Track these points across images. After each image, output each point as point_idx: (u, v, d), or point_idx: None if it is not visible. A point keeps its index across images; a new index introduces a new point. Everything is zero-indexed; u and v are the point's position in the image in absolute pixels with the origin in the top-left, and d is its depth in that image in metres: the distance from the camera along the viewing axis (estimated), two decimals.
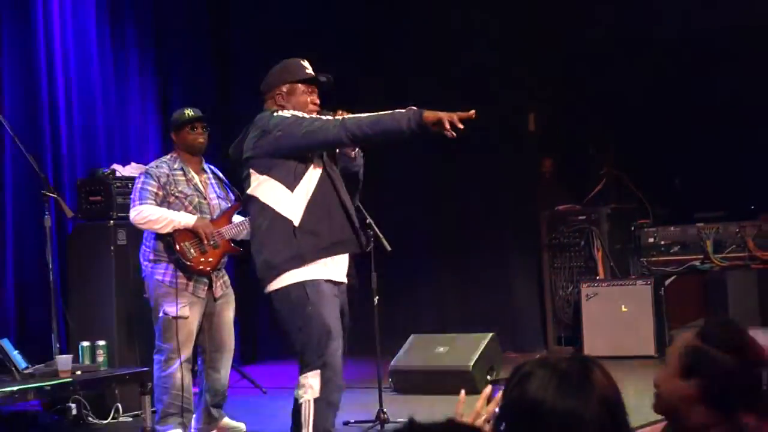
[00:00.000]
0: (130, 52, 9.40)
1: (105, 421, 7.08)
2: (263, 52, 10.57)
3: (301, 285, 4.78)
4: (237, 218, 6.48)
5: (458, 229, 10.29)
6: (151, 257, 6.29)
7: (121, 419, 7.14)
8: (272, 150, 4.83)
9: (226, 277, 6.55)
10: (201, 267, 6.25)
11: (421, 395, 7.53)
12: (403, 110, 4.64)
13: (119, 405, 7.14)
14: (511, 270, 10.08)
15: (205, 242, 6.23)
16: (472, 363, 7.63)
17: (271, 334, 10.56)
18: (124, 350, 7.25)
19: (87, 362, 6.70)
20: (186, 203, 6.31)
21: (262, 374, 8.96)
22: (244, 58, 10.52)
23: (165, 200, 6.25)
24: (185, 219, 6.23)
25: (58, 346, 6.88)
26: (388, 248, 6.49)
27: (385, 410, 6.44)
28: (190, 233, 6.23)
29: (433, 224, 10.37)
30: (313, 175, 4.89)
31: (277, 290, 4.83)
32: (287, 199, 4.83)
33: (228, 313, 6.51)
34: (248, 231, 6.43)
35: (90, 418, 6.95)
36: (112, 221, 7.33)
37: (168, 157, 6.46)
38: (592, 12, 9.79)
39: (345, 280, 5.00)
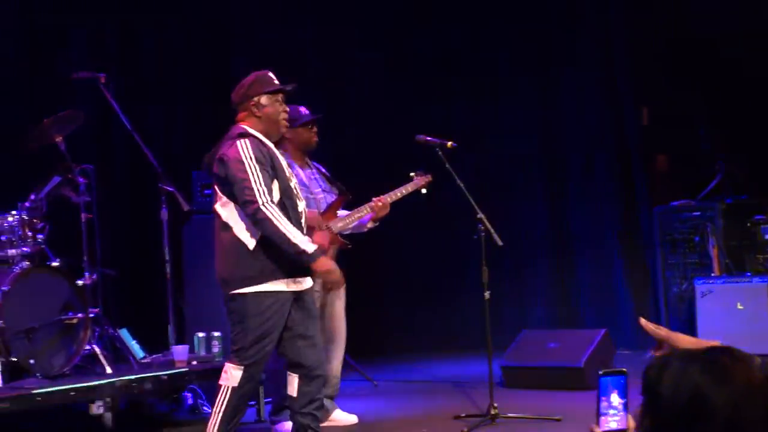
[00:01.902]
0: None
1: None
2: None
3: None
4: (342, 212, 6.52)
5: (570, 224, 10.21)
6: None
7: None
8: (224, 180, 5.18)
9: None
10: None
11: (532, 390, 7.49)
12: (307, 245, 5.04)
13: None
14: (623, 266, 9.96)
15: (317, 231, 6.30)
16: (584, 360, 7.56)
17: (385, 328, 10.66)
18: None
19: (202, 353, 6.83)
20: None
21: (374, 368, 9.00)
22: None
23: None
24: None
25: (174, 336, 7.03)
26: (499, 243, 6.49)
27: (495, 405, 6.43)
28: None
29: (546, 219, 10.31)
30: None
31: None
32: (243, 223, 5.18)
33: (339, 305, 6.57)
34: (359, 223, 6.50)
35: (205, 408, 7.07)
36: (213, 216, 7.41)
37: None
38: (702, 3, 9.62)
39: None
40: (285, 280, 5.16)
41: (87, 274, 7.01)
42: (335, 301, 6.54)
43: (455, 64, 10.62)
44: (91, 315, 6.64)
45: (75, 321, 6.50)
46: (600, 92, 9.99)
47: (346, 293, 6.67)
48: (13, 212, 6.69)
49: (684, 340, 2.40)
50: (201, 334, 6.93)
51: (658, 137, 10.06)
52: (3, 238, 6.63)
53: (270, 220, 4.98)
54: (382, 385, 8.42)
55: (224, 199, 5.22)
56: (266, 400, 6.71)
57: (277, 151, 5.30)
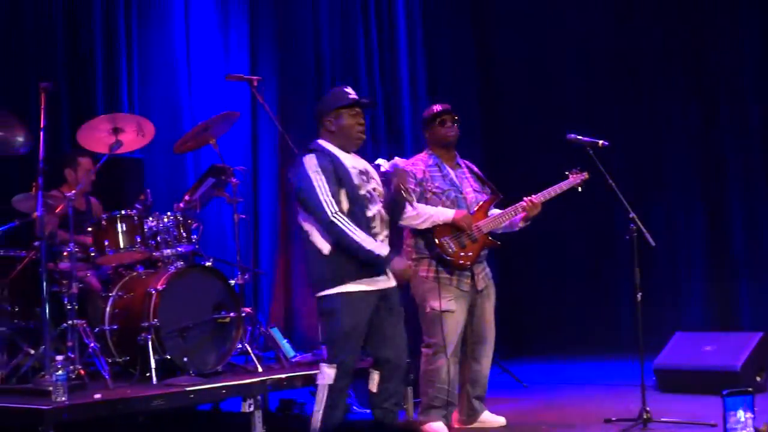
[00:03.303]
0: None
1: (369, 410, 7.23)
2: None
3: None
4: (493, 211, 6.49)
5: (724, 224, 9.97)
6: (414, 256, 6.38)
7: None
8: (296, 192, 5.47)
9: (488, 270, 6.57)
10: (461, 261, 6.30)
11: (686, 394, 7.32)
12: (380, 250, 5.31)
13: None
14: None
15: (468, 234, 6.27)
16: (740, 363, 7.35)
17: (535, 329, 10.58)
18: None
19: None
20: (443, 198, 6.37)
21: (524, 370, 8.94)
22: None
23: (422, 197, 6.33)
24: (444, 214, 6.29)
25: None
26: (652, 243, 6.36)
27: (648, 409, 6.29)
28: (449, 228, 6.29)
29: (703, 218, 10.08)
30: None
31: None
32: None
33: (489, 306, 6.54)
34: (510, 223, 6.45)
35: (354, 408, 7.10)
36: None
37: (423, 154, 6.56)
38: None
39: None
40: (365, 279, 5.38)
41: (239, 274, 7.13)
42: (485, 302, 6.50)
43: (617, 63, 10.48)
44: (243, 314, 6.74)
45: (227, 320, 6.61)
46: (760, 89, 9.72)
47: (496, 294, 6.63)
48: (168, 213, 6.85)
49: None
50: None
51: None
52: (159, 238, 6.78)
53: (342, 230, 5.26)
54: (532, 386, 8.34)
55: (302, 209, 5.47)
56: (415, 400, 6.71)
57: (347, 161, 5.47)
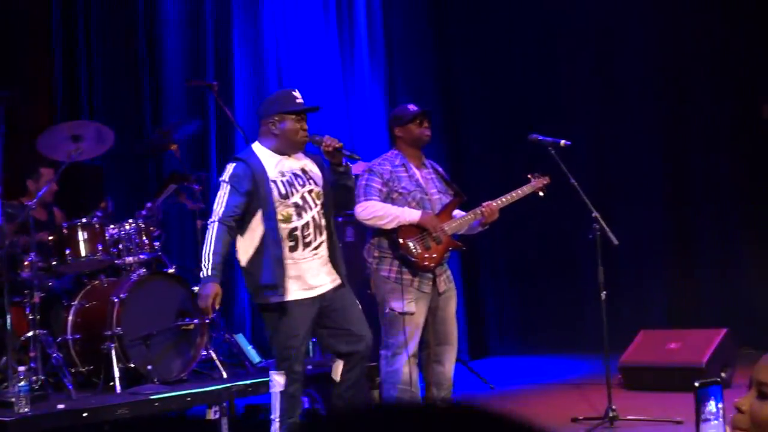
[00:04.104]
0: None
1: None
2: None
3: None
4: (457, 213, 6.49)
5: (688, 221, 10.01)
6: (376, 254, 6.36)
7: None
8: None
9: (449, 272, 6.56)
10: (426, 263, 6.29)
11: (652, 392, 7.35)
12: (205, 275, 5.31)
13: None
14: (744, 261, 9.72)
15: (433, 235, 6.27)
16: (705, 360, 7.38)
17: (500, 329, 10.59)
18: None
19: (317, 358, 6.84)
20: (409, 199, 6.35)
21: (489, 370, 8.95)
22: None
23: (389, 197, 6.32)
24: (410, 215, 6.28)
25: None
26: (615, 242, 6.39)
27: (614, 407, 6.31)
28: (414, 229, 6.28)
29: (662, 217, 10.12)
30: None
31: None
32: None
33: (451, 308, 6.53)
34: (469, 226, 6.46)
35: (323, 413, 7.07)
36: (340, 218, 7.44)
37: (390, 154, 6.51)
38: None
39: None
40: (301, 286, 5.46)
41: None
42: (447, 304, 6.49)
43: (572, 58, 10.50)
44: (207, 321, 6.71)
45: (191, 327, 6.58)
46: (724, 86, 9.76)
47: (461, 295, 6.64)
48: (130, 220, 6.81)
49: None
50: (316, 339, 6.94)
51: None
52: (120, 246, 6.74)
53: (206, 235, 5.39)
54: (498, 387, 8.35)
55: None
56: None
57: (279, 167, 5.54)
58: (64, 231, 6.55)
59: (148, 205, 7.00)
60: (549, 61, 10.52)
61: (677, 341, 7.75)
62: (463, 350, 6.78)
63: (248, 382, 6.36)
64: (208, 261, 5.31)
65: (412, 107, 6.57)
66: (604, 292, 6.42)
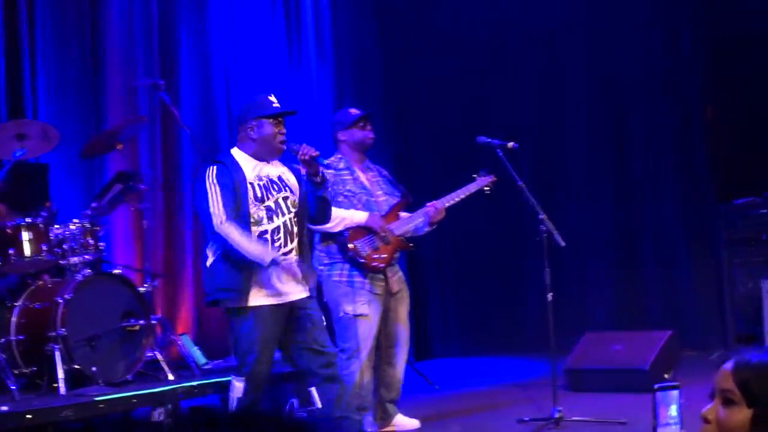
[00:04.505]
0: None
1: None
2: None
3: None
4: (403, 214, 6.50)
5: (632, 223, 10.09)
6: (326, 260, 6.35)
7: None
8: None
9: (401, 273, 6.57)
10: (375, 264, 6.29)
11: (597, 393, 7.40)
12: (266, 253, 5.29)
13: (294, 400, 7.22)
14: (686, 266, 9.81)
15: (380, 236, 6.27)
16: (649, 362, 7.45)
17: (446, 331, 10.61)
18: None
19: None
20: (355, 201, 6.35)
21: (434, 371, 8.96)
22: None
23: (333, 200, 6.29)
24: (357, 216, 6.28)
25: None
26: (562, 243, 6.43)
27: (560, 408, 6.35)
28: (361, 231, 6.28)
29: (610, 218, 10.19)
30: None
31: None
32: None
33: (403, 309, 6.54)
34: (416, 227, 6.48)
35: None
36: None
37: (332, 158, 6.47)
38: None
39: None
40: (271, 292, 5.39)
41: (148, 281, 7.04)
42: (398, 305, 6.50)
43: (518, 62, 10.55)
44: (153, 322, 6.66)
45: (137, 328, 6.52)
46: (665, 90, 9.86)
47: (409, 297, 6.65)
48: (75, 220, 6.73)
49: None
50: None
51: (723, 135, 9.92)
52: (65, 246, 6.66)
53: (228, 236, 5.29)
54: (444, 388, 8.36)
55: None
56: None
57: (256, 171, 5.50)
58: (8, 231, 6.45)
59: (94, 205, 6.93)
60: (496, 62, 10.55)
61: (621, 344, 7.80)
62: (409, 351, 6.77)
63: (194, 383, 6.32)
64: (258, 250, 5.27)
65: (353, 111, 6.58)
66: (551, 294, 6.46)
